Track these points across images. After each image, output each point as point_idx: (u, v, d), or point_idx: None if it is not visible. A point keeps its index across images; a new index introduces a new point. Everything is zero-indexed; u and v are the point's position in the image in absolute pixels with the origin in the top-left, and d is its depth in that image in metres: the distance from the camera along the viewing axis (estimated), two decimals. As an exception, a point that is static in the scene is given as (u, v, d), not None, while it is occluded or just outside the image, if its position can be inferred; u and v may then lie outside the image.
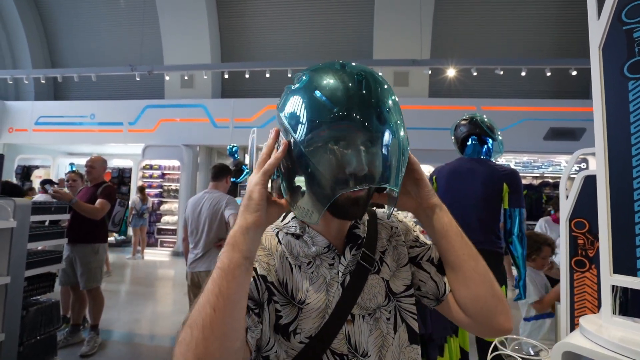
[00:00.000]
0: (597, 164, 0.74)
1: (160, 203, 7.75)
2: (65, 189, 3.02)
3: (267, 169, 0.54)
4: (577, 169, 5.94)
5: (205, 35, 7.78)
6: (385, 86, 0.54)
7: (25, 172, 8.47)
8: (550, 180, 6.94)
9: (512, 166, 6.80)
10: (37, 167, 8.67)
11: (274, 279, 0.60)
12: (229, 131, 7.41)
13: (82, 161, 3.72)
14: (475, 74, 6.19)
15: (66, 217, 2.74)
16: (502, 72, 6.02)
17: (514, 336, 1.11)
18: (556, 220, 3.62)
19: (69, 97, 9.04)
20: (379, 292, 0.64)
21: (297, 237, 0.64)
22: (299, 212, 0.56)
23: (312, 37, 7.97)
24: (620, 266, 0.69)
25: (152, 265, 6.48)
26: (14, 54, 8.87)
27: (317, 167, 0.51)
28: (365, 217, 0.70)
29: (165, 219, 7.64)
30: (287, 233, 0.65)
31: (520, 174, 1.98)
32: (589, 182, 1.13)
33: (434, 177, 2.10)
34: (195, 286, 2.53)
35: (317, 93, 0.52)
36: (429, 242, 0.70)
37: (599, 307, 1.03)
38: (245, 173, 4.78)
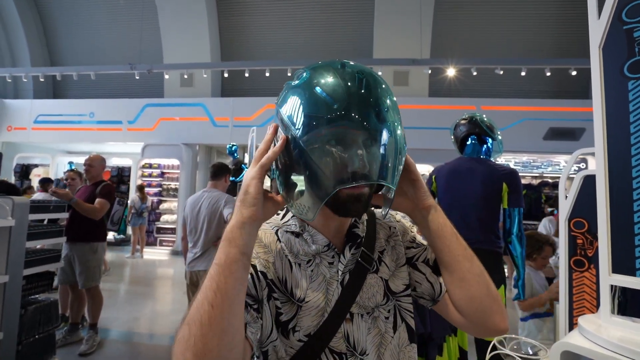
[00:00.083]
0: (597, 164, 0.74)
1: (160, 202, 7.74)
2: (67, 189, 3.01)
3: (264, 162, 0.54)
4: (577, 168, 5.95)
5: (205, 34, 7.77)
6: (384, 86, 0.55)
7: (24, 171, 8.44)
8: (550, 180, 6.95)
9: (512, 166, 6.80)
10: (36, 165, 8.65)
11: (274, 277, 0.60)
12: (228, 130, 7.40)
13: (81, 160, 3.71)
14: (475, 73, 6.19)
15: (65, 215, 2.74)
16: (502, 72, 6.02)
17: (513, 336, 1.11)
18: (558, 220, 3.61)
19: (68, 95, 9.02)
20: (378, 291, 0.64)
21: (296, 235, 0.64)
22: (295, 208, 0.56)
23: (312, 36, 7.96)
24: (619, 266, 0.69)
25: (151, 264, 6.48)
26: (13, 52, 8.84)
27: (316, 163, 0.51)
28: (364, 216, 0.70)
29: (164, 217, 7.63)
30: (286, 231, 0.65)
31: (520, 174, 1.99)
32: (588, 182, 1.13)
33: (433, 177, 2.10)
34: (194, 285, 2.53)
35: (318, 90, 0.52)
36: (425, 243, 0.71)
37: (597, 306, 1.04)
38: (244, 172, 4.78)
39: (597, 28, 0.75)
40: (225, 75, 7.23)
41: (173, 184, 7.72)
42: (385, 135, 0.52)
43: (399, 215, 0.76)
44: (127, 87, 8.52)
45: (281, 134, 0.56)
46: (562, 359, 0.66)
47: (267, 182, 0.58)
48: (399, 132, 0.54)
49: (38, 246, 2.73)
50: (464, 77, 6.87)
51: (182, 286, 4.64)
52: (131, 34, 8.31)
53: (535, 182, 7.02)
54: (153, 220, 7.55)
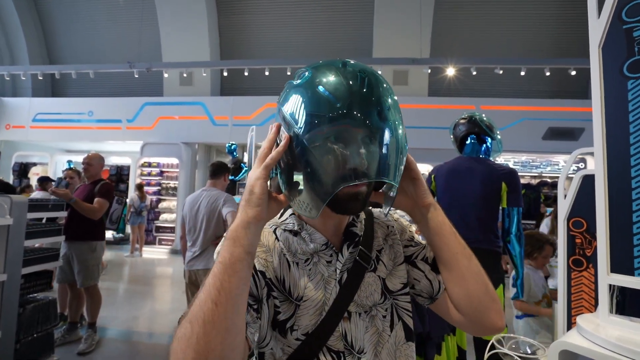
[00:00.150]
0: (596, 163, 0.74)
1: (159, 201, 7.73)
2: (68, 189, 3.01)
3: (268, 163, 0.54)
4: (575, 168, 5.96)
5: (205, 32, 7.75)
6: (385, 85, 0.55)
7: (23, 169, 8.43)
8: (549, 180, 6.96)
9: (511, 165, 6.82)
10: (34, 164, 8.63)
11: (272, 276, 0.61)
12: (227, 129, 7.39)
13: (80, 158, 3.71)
14: (474, 73, 6.19)
15: (63, 214, 2.73)
16: (501, 72, 6.02)
17: (511, 335, 1.11)
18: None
19: (67, 93, 8.99)
20: (375, 290, 0.64)
21: (294, 233, 0.65)
22: (299, 206, 0.56)
23: (312, 35, 7.95)
24: (618, 265, 0.69)
25: (150, 263, 6.47)
26: (12, 50, 8.81)
27: (319, 161, 0.51)
28: (362, 215, 0.70)
29: (163, 216, 7.62)
30: (284, 230, 0.65)
31: (519, 174, 1.99)
32: (587, 182, 1.13)
33: (432, 176, 2.10)
34: (192, 284, 2.52)
35: (321, 88, 0.53)
36: (423, 241, 0.71)
37: (596, 306, 1.04)
38: (244, 171, 4.78)
39: (597, 27, 0.75)
40: (225, 74, 7.21)
41: (172, 183, 7.71)
42: (387, 134, 0.52)
43: (396, 214, 0.77)
44: (126, 86, 8.49)
45: (284, 134, 0.56)
46: (560, 358, 0.66)
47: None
48: (400, 131, 0.54)
49: (36, 245, 2.72)
50: (464, 77, 6.87)
51: (181, 285, 4.64)
52: (130, 32, 8.29)
53: (534, 181, 7.03)
54: (152, 219, 7.55)
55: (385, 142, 0.52)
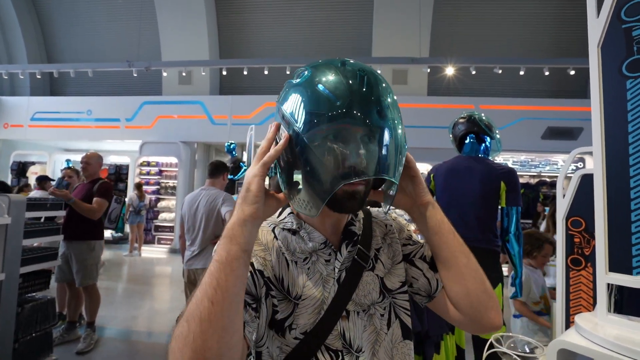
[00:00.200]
0: (595, 162, 0.74)
1: (158, 200, 7.72)
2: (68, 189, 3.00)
3: (266, 160, 0.54)
4: (574, 168, 5.97)
5: (204, 31, 7.73)
6: (384, 84, 0.56)
7: (21, 169, 8.40)
8: (548, 180, 6.98)
9: (510, 165, 6.82)
10: (33, 163, 8.61)
11: (270, 274, 0.60)
12: (227, 128, 7.38)
13: (78, 157, 3.69)
14: (473, 72, 6.19)
15: (62, 213, 2.73)
16: (500, 71, 6.02)
17: (510, 334, 1.12)
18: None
19: (65, 92, 8.97)
20: (374, 288, 0.65)
21: (293, 232, 0.65)
22: (298, 205, 0.56)
23: (311, 34, 7.93)
24: (616, 264, 0.69)
25: (149, 263, 6.47)
26: (10, 48, 8.78)
27: (319, 159, 0.51)
28: (361, 214, 0.71)
29: (162, 216, 7.61)
30: (283, 229, 0.65)
31: (518, 173, 1.99)
32: (586, 181, 1.13)
33: (431, 175, 2.10)
34: (191, 283, 2.52)
35: (320, 87, 0.53)
36: (421, 240, 0.72)
37: (594, 305, 1.04)
38: (243, 170, 4.77)
39: (596, 27, 0.75)
40: (224, 73, 7.20)
41: (171, 182, 7.70)
42: (387, 132, 0.53)
43: (394, 214, 0.77)
44: (125, 85, 8.47)
45: (284, 132, 0.56)
46: (558, 357, 0.67)
47: (265, 181, 0.58)
48: (399, 129, 0.55)
49: (35, 244, 2.71)
50: (463, 76, 6.87)
51: (180, 284, 4.63)
52: (129, 31, 8.26)
53: (533, 181, 7.04)
54: (151, 219, 7.54)
55: (384, 140, 0.52)
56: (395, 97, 0.56)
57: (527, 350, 1.08)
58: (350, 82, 0.52)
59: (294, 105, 0.55)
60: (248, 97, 7.53)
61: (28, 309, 2.19)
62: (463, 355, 1.91)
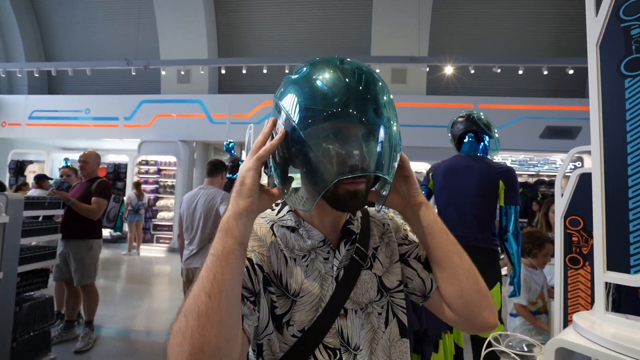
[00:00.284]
0: (593, 162, 0.74)
1: (156, 199, 7.71)
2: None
3: (261, 154, 0.54)
4: (573, 167, 5.99)
5: (202, 30, 7.71)
6: (381, 83, 0.56)
7: (19, 167, 8.37)
8: (546, 179, 7.00)
9: (509, 164, 6.84)
10: (31, 162, 8.57)
11: (269, 270, 0.61)
12: (225, 127, 7.37)
13: (76, 156, 3.69)
14: (472, 71, 6.19)
15: (60, 212, 2.72)
16: (499, 70, 6.03)
17: (509, 332, 1.12)
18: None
19: (64, 91, 8.93)
20: (371, 287, 0.65)
21: (292, 230, 0.65)
22: (293, 200, 0.56)
23: (310, 33, 7.92)
24: (614, 263, 0.70)
25: (148, 262, 6.46)
26: (7, 46, 8.73)
27: (315, 155, 0.52)
28: (359, 214, 0.71)
29: (161, 215, 7.60)
30: (282, 226, 0.65)
31: (516, 172, 2.00)
32: (584, 180, 1.14)
33: (430, 174, 2.10)
34: (190, 282, 2.51)
35: (319, 83, 0.53)
36: (417, 240, 0.72)
37: (592, 303, 1.04)
38: (241, 169, 4.76)
39: (595, 25, 0.75)
40: (223, 71, 7.18)
41: (170, 181, 7.68)
42: (382, 130, 0.53)
43: (391, 213, 0.77)
44: (123, 83, 8.44)
45: (280, 127, 0.56)
46: (556, 356, 0.67)
47: (264, 179, 0.58)
48: (395, 128, 0.55)
49: (33, 243, 2.71)
50: (462, 75, 6.87)
51: (178, 283, 4.63)
52: (128, 29, 8.23)
53: (531, 180, 7.06)
54: (150, 218, 7.53)
55: (380, 138, 0.53)
56: (391, 97, 0.57)
57: (525, 349, 1.08)
58: (348, 79, 0.53)
59: (291, 100, 0.55)
60: (247, 96, 7.52)
61: (26, 308, 2.18)
62: (461, 354, 1.91)
